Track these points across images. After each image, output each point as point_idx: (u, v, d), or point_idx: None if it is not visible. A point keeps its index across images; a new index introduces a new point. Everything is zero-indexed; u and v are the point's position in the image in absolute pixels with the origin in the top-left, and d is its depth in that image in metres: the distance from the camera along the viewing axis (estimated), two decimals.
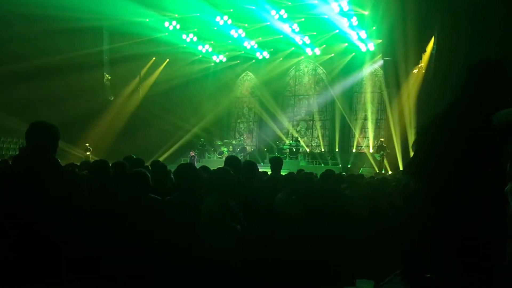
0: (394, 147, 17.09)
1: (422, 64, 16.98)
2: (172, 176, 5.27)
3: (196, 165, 16.85)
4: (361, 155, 20.26)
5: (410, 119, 15.98)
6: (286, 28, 19.44)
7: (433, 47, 15.71)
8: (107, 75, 20.93)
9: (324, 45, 21.35)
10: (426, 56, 16.55)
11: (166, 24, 19.62)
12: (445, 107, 2.73)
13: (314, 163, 20.12)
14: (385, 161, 17.58)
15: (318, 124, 22.56)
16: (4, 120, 14.92)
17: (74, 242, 2.88)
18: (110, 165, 4.91)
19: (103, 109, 20.06)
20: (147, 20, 19.26)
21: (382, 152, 17.55)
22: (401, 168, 15.57)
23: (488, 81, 2.62)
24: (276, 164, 5.85)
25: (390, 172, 16.78)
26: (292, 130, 22.77)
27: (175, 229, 3.59)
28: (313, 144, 22.75)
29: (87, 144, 18.24)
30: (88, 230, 3.12)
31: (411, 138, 15.67)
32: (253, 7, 18.40)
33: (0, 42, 15.20)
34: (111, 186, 4.29)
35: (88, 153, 17.83)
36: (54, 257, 2.77)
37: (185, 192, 4.04)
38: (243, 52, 22.57)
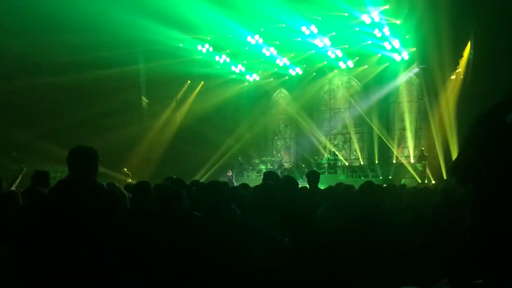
0: (437, 156, 16.68)
1: (459, 69, 16.63)
2: None
3: (234, 184, 17.08)
4: (401, 166, 19.77)
5: (450, 126, 15.59)
6: (317, 43, 19.46)
7: (470, 52, 15.39)
8: (145, 99, 21.41)
9: (357, 57, 21.16)
10: (463, 61, 16.22)
11: (199, 47, 20.07)
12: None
13: (354, 176, 19.81)
14: (427, 171, 17.16)
15: (355, 137, 22.23)
16: (51, 148, 15.05)
17: (113, 265, 2.93)
18: (152, 187, 5.05)
19: (143, 134, 20.51)
20: (181, 45, 19.76)
21: (423, 161, 17.15)
22: (445, 177, 15.15)
23: None
24: (313, 178, 5.86)
25: (433, 182, 16.37)
26: (329, 145, 22.55)
27: (203, 244, 3.60)
28: (352, 157, 22.43)
29: (125, 169, 18.12)
30: (126, 251, 3.17)
31: (453, 146, 15.26)
32: (283, 25, 18.56)
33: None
34: (152, 206, 4.38)
35: (128, 178, 17.48)
36: (95, 279, 2.83)
37: (207, 209, 4.11)
38: (276, 69, 22.67)
